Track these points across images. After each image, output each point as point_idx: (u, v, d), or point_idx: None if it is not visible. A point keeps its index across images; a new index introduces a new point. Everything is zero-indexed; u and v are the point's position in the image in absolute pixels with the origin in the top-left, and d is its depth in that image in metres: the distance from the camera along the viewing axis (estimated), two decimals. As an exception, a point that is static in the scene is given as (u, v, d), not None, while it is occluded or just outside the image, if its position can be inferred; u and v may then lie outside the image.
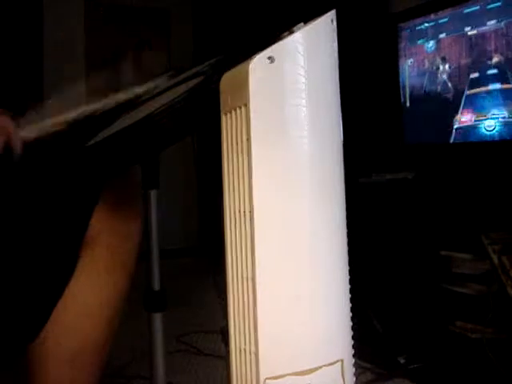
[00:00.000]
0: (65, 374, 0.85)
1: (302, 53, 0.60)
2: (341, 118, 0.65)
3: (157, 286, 0.94)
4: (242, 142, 0.60)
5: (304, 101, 0.60)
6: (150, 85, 0.96)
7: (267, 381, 0.58)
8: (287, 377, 0.58)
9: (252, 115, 0.59)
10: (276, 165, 0.59)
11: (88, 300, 0.86)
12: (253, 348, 0.59)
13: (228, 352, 0.63)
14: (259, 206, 0.59)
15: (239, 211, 0.60)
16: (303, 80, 0.60)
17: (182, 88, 0.80)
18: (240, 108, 0.60)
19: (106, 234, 0.87)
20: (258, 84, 0.59)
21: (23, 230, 0.82)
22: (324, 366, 0.60)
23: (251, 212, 0.59)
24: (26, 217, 0.82)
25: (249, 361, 0.60)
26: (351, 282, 0.65)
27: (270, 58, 0.59)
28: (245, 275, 0.60)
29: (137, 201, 0.95)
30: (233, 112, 0.62)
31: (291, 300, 0.59)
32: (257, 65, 0.59)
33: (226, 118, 0.63)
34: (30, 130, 0.88)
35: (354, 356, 0.64)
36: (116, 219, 0.89)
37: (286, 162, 0.60)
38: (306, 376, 0.58)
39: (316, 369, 0.59)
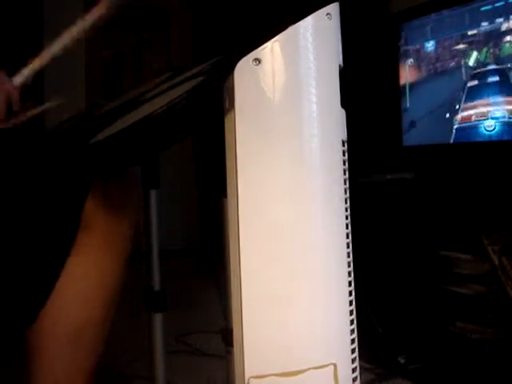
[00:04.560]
0: (64, 351, 0.87)
1: (288, 53, 0.59)
2: (339, 118, 0.65)
3: (157, 286, 0.95)
4: (233, 144, 0.60)
5: (292, 102, 0.60)
6: (150, 85, 0.96)
7: (251, 379, 0.58)
8: (271, 377, 0.58)
9: (237, 118, 0.59)
10: (262, 168, 0.59)
11: (84, 281, 0.88)
12: (240, 346, 0.59)
13: (229, 352, 0.63)
14: (243, 207, 0.58)
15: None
16: (291, 81, 0.59)
17: (183, 88, 0.79)
18: (230, 110, 0.61)
19: (100, 217, 0.88)
20: (243, 87, 0.59)
21: (18, 213, 0.83)
22: (312, 368, 0.59)
23: (237, 215, 0.59)
24: (20, 201, 0.83)
25: (237, 359, 0.60)
26: (351, 284, 0.63)
27: (256, 59, 0.59)
28: (234, 273, 0.60)
29: (132, 185, 0.95)
30: (228, 114, 0.62)
31: (277, 299, 0.58)
32: (242, 67, 0.59)
33: (226, 119, 0.63)
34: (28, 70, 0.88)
35: (354, 361, 0.63)
36: (110, 202, 0.90)
37: (272, 166, 0.59)
38: (292, 378, 0.58)
39: (303, 371, 0.58)
